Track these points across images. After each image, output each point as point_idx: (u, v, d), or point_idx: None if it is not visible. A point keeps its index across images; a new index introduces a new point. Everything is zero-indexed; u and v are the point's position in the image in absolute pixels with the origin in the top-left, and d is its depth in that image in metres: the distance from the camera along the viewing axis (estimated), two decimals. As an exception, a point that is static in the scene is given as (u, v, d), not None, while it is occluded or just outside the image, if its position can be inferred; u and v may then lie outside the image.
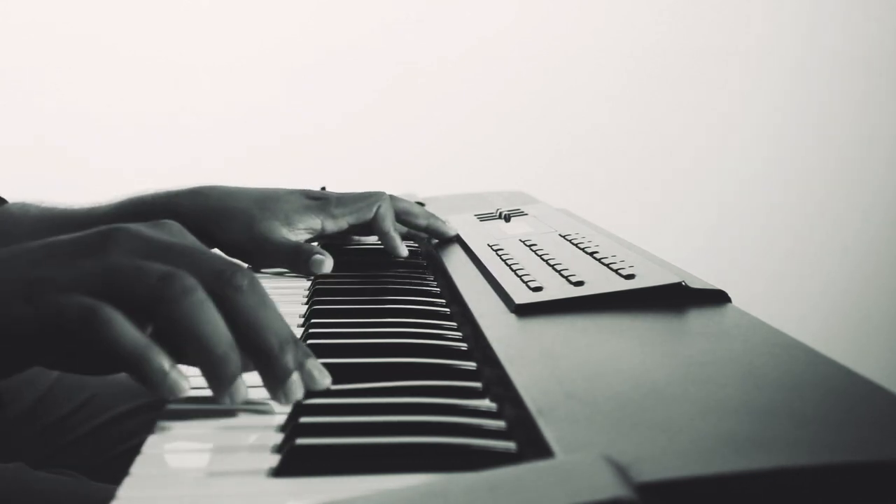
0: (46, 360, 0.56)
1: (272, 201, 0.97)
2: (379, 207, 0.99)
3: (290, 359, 0.54)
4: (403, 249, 1.00)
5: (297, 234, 0.97)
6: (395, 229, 0.99)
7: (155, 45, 1.73)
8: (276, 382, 0.55)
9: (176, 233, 0.57)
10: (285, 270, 0.99)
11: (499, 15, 1.81)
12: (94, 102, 1.71)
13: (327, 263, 0.93)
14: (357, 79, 1.77)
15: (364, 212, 0.98)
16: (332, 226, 0.99)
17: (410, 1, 1.81)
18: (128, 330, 0.51)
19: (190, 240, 0.57)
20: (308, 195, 0.99)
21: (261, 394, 0.60)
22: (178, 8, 1.74)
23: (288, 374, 0.55)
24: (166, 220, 0.58)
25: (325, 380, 0.57)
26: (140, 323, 0.52)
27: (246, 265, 0.55)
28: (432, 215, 1.05)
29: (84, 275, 0.52)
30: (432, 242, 1.07)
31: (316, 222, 0.98)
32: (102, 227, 0.55)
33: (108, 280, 0.52)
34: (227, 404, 0.54)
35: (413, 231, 1.06)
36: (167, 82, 1.73)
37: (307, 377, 0.56)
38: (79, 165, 1.68)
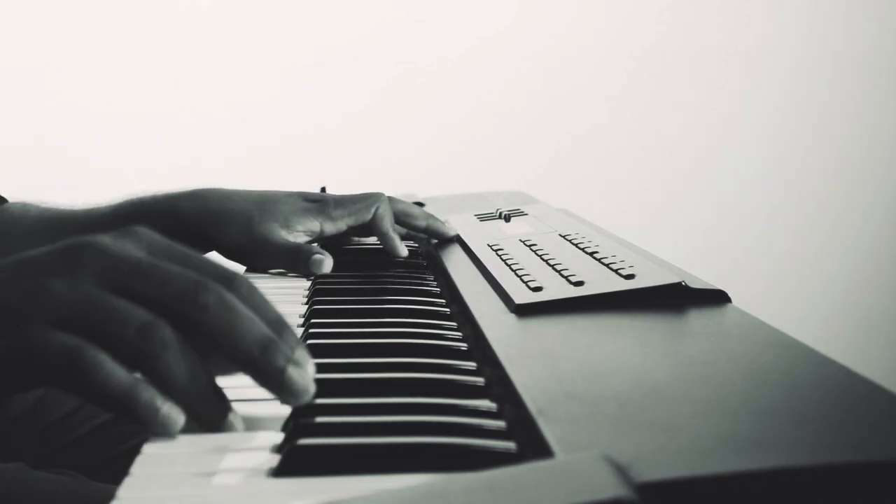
0: (18, 390, 0.53)
1: (271, 203, 0.98)
2: (377, 209, 0.99)
3: (276, 358, 0.53)
4: (403, 249, 1.00)
5: (296, 236, 0.98)
6: (395, 230, 1.00)
7: (155, 45, 1.73)
8: (272, 386, 0.53)
9: (144, 242, 0.55)
10: (285, 270, 1.00)
11: (499, 15, 1.81)
12: (93, 102, 1.71)
13: (327, 263, 0.93)
14: (357, 79, 1.77)
15: (362, 213, 0.99)
16: (330, 228, 0.99)
17: (410, 1, 1.81)
18: (113, 372, 0.50)
19: (160, 245, 0.55)
20: (306, 198, 1.00)
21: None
22: (178, 8, 1.74)
23: (279, 372, 0.53)
24: (135, 228, 0.55)
25: (308, 368, 0.55)
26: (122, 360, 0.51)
27: (237, 271, 0.53)
28: (431, 216, 1.05)
29: (56, 304, 0.50)
30: (432, 242, 1.07)
31: (314, 224, 0.98)
32: (68, 242, 0.53)
33: (84, 316, 0.50)
34: (225, 433, 0.54)
35: (412, 232, 1.06)
36: (167, 82, 1.73)
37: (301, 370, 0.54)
38: (79, 165, 1.68)
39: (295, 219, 0.97)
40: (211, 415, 0.53)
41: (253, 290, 0.55)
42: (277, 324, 0.54)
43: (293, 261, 0.95)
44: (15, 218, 1.03)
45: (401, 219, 1.03)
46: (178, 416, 0.52)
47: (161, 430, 0.52)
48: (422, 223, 1.04)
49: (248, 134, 1.74)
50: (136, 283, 0.52)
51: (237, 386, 0.66)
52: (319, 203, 0.99)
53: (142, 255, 0.54)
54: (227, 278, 0.54)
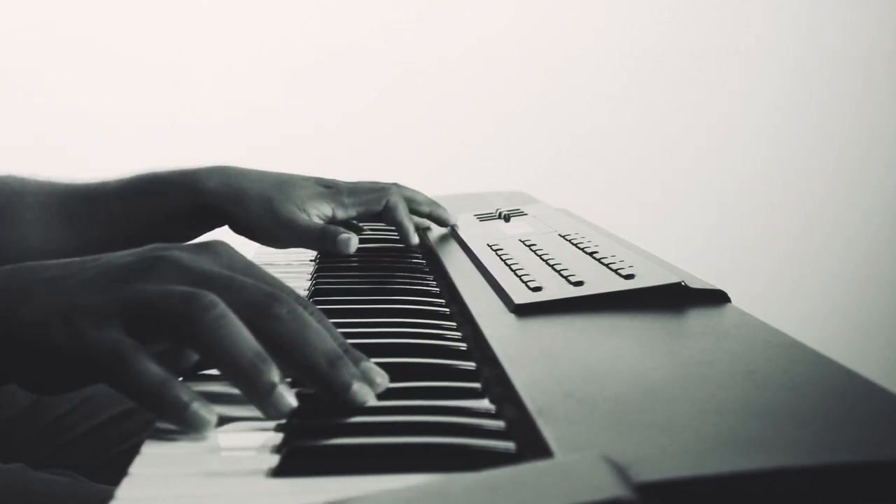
0: (71, 385, 0.56)
1: (289, 186, 1.01)
2: (388, 201, 1.02)
3: (343, 373, 0.54)
4: (415, 238, 1.04)
5: (309, 218, 1.01)
6: (410, 219, 1.03)
7: (155, 45, 1.73)
8: (336, 398, 0.55)
9: (222, 257, 0.58)
10: (285, 271, 1.00)
11: (499, 15, 1.81)
12: (94, 102, 1.71)
13: (353, 241, 0.97)
14: (357, 79, 1.77)
15: (373, 204, 1.02)
16: (342, 214, 1.02)
17: (410, 1, 1.81)
18: (148, 368, 0.52)
19: (238, 262, 0.58)
20: (321, 183, 1.03)
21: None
22: (178, 8, 1.74)
23: (347, 388, 0.54)
24: (213, 243, 0.59)
25: (383, 381, 0.57)
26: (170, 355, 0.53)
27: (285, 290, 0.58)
28: (434, 202, 1.09)
29: (119, 303, 0.53)
30: (429, 231, 1.07)
31: (327, 209, 1.01)
32: (146, 252, 0.56)
33: (137, 309, 0.53)
34: (273, 417, 0.54)
35: (416, 218, 1.08)
36: (167, 82, 1.73)
37: (369, 382, 0.56)
38: (79, 165, 1.68)
39: (310, 202, 1.00)
40: (254, 384, 0.53)
41: (321, 313, 0.58)
42: (343, 343, 0.57)
43: (321, 240, 0.98)
44: (14, 190, 1.03)
45: (407, 205, 1.06)
46: (207, 414, 0.53)
47: (189, 427, 0.53)
48: (425, 209, 1.08)
49: (248, 134, 1.74)
50: (208, 288, 0.53)
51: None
52: (333, 189, 1.02)
53: (216, 269, 0.56)
54: (299, 297, 0.57)
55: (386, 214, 1.03)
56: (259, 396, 0.53)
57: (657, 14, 1.86)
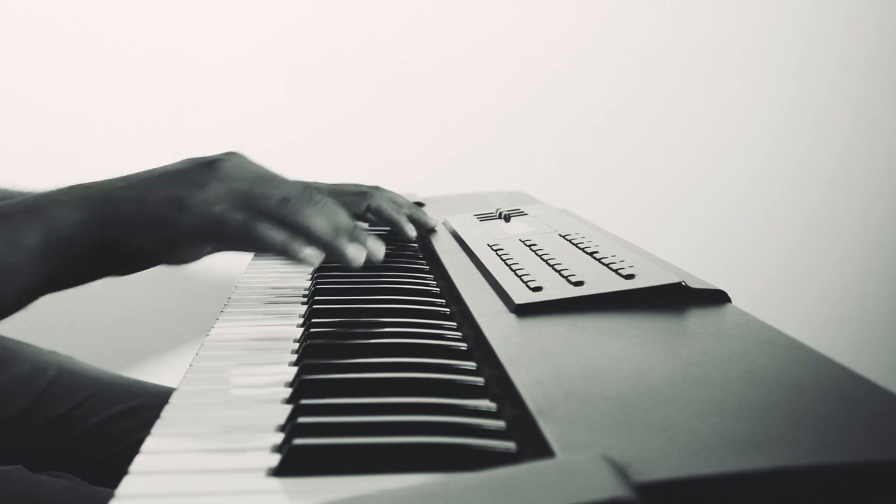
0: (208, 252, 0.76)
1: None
2: (371, 203, 1.04)
3: (341, 242, 0.74)
4: (412, 230, 1.06)
5: None
6: (399, 213, 1.05)
7: (154, 45, 1.73)
8: (340, 259, 0.75)
9: (247, 161, 0.78)
10: (286, 270, 1.00)
11: (499, 14, 1.81)
12: (94, 102, 1.71)
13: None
14: (356, 78, 1.77)
15: (353, 206, 1.04)
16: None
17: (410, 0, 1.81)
18: (274, 232, 0.73)
19: (255, 166, 0.78)
20: (301, 184, 1.03)
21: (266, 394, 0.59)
22: (177, 8, 1.74)
23: (344, 254, 0.75)
24: (231, 152, 0.78)
25: (374, 245, 0.77)
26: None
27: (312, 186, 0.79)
28: (414, 206, 1.11)
29: (222, 194, 0.73)
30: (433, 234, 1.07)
31: None
32: (208, 158, 0.76)
33: (244, 201, 0.73)
34: (354, 259, 0.75)
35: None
36: (166, 82, 1.73)
37: (349, 249, 0.75)
38: (79, 165, 1.68)
39: None
40: (334, 243, 0.74)
41: (330, 201, 0.76)
42: (347, 223, 0.76)
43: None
44: None
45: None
46: (314, 254, 0.73)
47: (307, 261, 0.73)
48: (405, 212, 1.08)
49: (247, 134, 1.74)
50: (263, 184, 0.75)
51: (239, 386, 0.66)
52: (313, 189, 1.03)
53: (256, 170, 0.77)
54: (311, 191, 0.76)
55: (375, 215, 1.05)
56: (339, 250, 0.75)
57: (657, 14, 1.86)
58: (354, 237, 0.76)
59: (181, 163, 0.76)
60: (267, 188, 0.74)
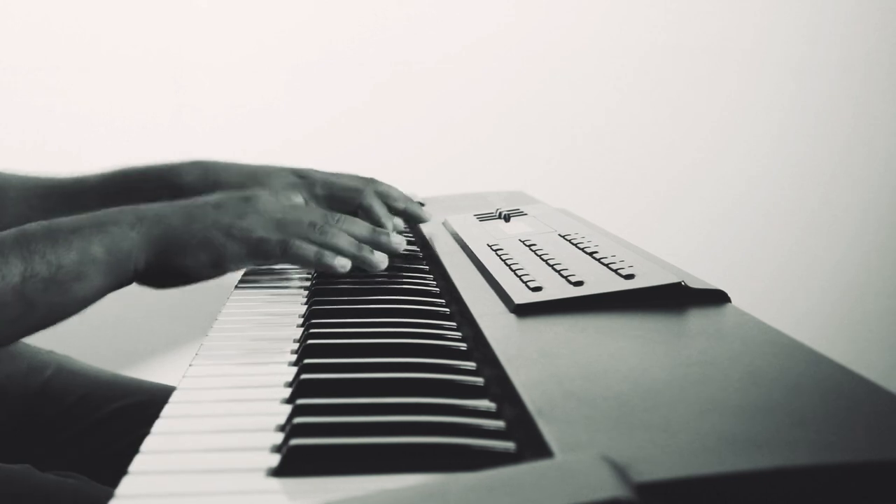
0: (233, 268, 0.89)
1: (263, 176, 1.06)
2: (363, 202, 1.05)
3: (365, 253, 0.89)
4: (398, 239, 1.04)
5: None
6: (389, 217, 1.06)
7: (154, 45, 1.73)
8: (367, 267, 0.90)
9: (273, 199, 0.91)
10: (285, 270, 1.00)
11: (499, 14, 1.81)
12: (94, 102, 1.71)
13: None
14: (355, 78, 1.77)
15: (345, 203, 1.05)
16: (314, 204, 1.06)
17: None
18: (308, 248, 0.87)
19: (284, 202, 0.93)
20: (295, 172, 1.08)
21: (264, 394, 0.59)
22: (177, 8, 1.73)
23: (370, 262, 0.90)
24: (258, 191, 0.93)
25: (398, 241, 0.93)
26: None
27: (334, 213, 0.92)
28: (409, 199, 1.10)
29: (260, 222, 0.87)
30: (434, 238, 1.07)
31: (299, 198, 1.05)
32: (242, 193, 0.90)
33: (279, 227, 0.87)
34: (378, 265, 0.90)
35: (395, 219, 1.09)
36: (166, 82, 1.73)
37: (386, 249, 0.91)
38: (79, 165, 1.68)
39: (283, 192, 1.04)
40: (362, 258, 0.89)
41: (346, 218, 0.92)
42: (368, 232, 0.92)
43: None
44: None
45: (381, 200, 1.08)
46: (345, 262, 0.88)
47: (340, 271, 0.87)
48: (400, 205, 1.08)
49: (247, 134, 1.74)
50: (293, 213, 0.90)
51: (239, 386, 0.66)
52: (305, 179, 1.07)
53: (282, 202, 0.92)
54: (326, 216, 0.90)
55: (365, 214, 1.05)
56: (368, 262, 0.89)
57: (657, 14, 1.86)
58: (376, 244, 0.91)
59: (220, 196, 0.90)
60: (297, 216, 0.89)
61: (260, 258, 0.87)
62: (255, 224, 0.87)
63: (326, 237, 0.88)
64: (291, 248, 0.86)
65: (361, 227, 0.91)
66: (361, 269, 0.90)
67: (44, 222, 0.80)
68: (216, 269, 0.86)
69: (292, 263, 0.90)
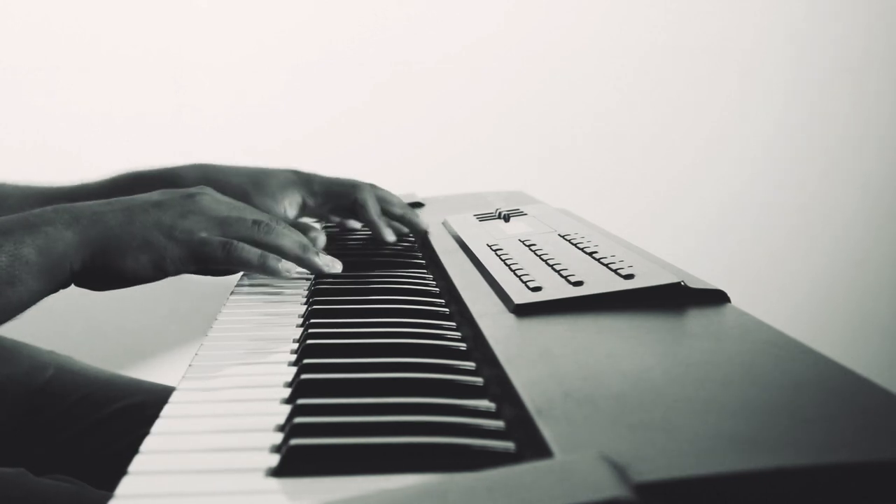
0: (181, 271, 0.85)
1: (263, 177, 1.07)
2: (359, 197, 1.07)
3: (311, 255, 0.87)
4: (390, 234, 1.07)
5: (282, 207, 1.07)
6: (381, 217, 1.07)
7: (154, 45, 1.73)
8: (313, 270, 0.88)
9: (219, 195, 0.88)
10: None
11: (499, 14, 1.81)
12: (94, 102, 1.71)
13: (321, 238, 0.99)
14: (355, 78, 1.77)
15: (343, 197, 1.07)
16: (311, 202, 1.09)
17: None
18: (251, 251, 0.84)
19: (227, 199, 0.88)
20: (294, 173, 1.09)
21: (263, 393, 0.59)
22: (177, 8, 1.73)
23: (316, 265, 0.88)
24: (203, 187, 0.88)
25: (334, 266, 0.89)
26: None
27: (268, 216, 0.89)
28: (408, 207, 1.11)
29: (202, 221, 0.83)
30: (430, 234, 1.07)
31: (298, 197, 1.07)
32: (184, 191, 0.86)
33: (222, 227, 0.84)
34: (327, 267, 0.88)
35: (395, 223, 1.11)
36: (166, 82, 1.73)
37: (320, 259, 0.88)
38: (79, 165, 1.68)
39: (281, 191, 1.07)
40: (303, 257, 0.87)
41: (284, 224, 0.88)
42: (304, 241, 0.88)
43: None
44: None
45: (379, 205, 1.09)
46: (290, 267, 0.86)
47: (283, 275, 0.85)
48: (398, 211, 1.10)
49: (247, 134, 1.74)
50: (235, 210, 0.86)
51: (239, 386, 0.66)
52: (304, 178, 1.08)
53: (226, 200, 0.88)
54: (269, 219, 0.87)
55: (357, 212, 1.07)
56: (307, 262, 0.87)
57: (657, 14, 1.86)
58: (316, 251, 0.89)
59: (160, 193, 0.86)
60: (240, 214, 0.86)
61: (201, 262, 0.84)
62: (197, 224, 0.83)
63: (271, 237, 0.85)
64: (234, 251, 0.83)
65: (303, 237, 0.89)
66: (308, 272, 0.89)
67: None
68: (157, 271, 0.83)
69: (235, 267, 0.87)
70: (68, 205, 0.82)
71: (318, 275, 0.89)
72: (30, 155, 1.71)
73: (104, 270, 0.81)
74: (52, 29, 1.71)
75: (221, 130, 1.74)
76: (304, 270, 0.89)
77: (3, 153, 1.69)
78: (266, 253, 0.84)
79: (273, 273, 0.85)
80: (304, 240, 0.88)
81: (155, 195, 0.86)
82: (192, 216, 0.84)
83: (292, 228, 0.89)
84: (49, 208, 0.81)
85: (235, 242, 0.83)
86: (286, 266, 0.85)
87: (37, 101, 1.71)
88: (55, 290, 0.80)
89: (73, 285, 0.82)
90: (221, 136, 1.73)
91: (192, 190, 0.87)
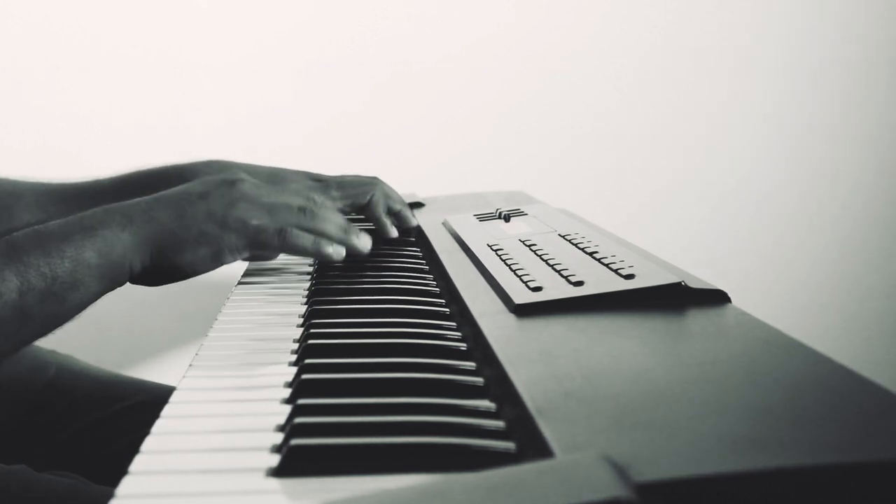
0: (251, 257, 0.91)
1: (280, 179, 1.07)
2: (372, 196, 1.08)
3: (352, 238, 0.91)
4: (393, 231, 1.09)
5: None
6: (387, 214, 1.09)
7: (154, 45, 1.73)
8: (354, 252, 0.92)
9: (254, 180, 0.90)
10: (285, 264, 1.01)
11: (499, 14, 1.81)
12: (94, 102, 1.71)
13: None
14: (356, 78, 1.77)
15: (359, 198, 1.08)
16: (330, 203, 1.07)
17: None
18: (305, 237, 0.87)
19: (262, 183, 0.91)
20: (310, 176, 1.10)
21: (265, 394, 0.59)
22: (177, 8, 1.73)
23: (356, 247, 0.92)
24: (236, 172, 0.92)
25: (367, 244, 0.94)
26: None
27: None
28: (406, 204, 1.14)
29: (253, 209, 0.86)
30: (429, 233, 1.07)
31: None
32: (222, 178, 0.88)
33: (270, 213, 0.86)
34: (364, 248, 0.93)
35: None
36: (166, 82, 1.73)
37: (359, 241, 0.92)
38: (79, 165, 1.68)
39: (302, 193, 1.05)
40: (344, 239, 0.90)
41: (327, 204, 0.94)
42: (346, 222, 0.93)
43: None
44: (10, 192, 1.06)
45: (385, 199, 1.11)
46: (340, 250, 0.90)
47: (335, 259, 0.90)
48: (397, 207, 1.11)
49: (247, 134, 1.74)
50: (279, 195, 0.89)
51: (239, 386, 0.66)
52: (322, 183, 1.08)
53: (263, 186, 0.90)
54: (312, 201, 0.91)
55: (367, 209, 1.08)
56: (350, 244, 0.91)
57: (657, 14, 1.86)
58: (356, 231, 0.92)
59: (200, 183, 0.87)
60: (285, 200, 0.88)
61: (257, 248, 0.86)
62: (247, 212, 0.85)
63: (316, 222, 0.88)
64: (290, 238, 0.86)
65: (340, 216, 0.92)
66: (350, 254, 0.91)
67: (29, 230, 0.79)
68: (215, 262, 0.85)
69: (289, 253, 0.89)
70: (115, 205, 0.83)
71: (358, 255, 0.92)
72: (30, 155, 1.71)
73: (163, 267, 0.83)
74: (52, 29, 1.71)
75: (221, 130, 1.74)
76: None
77: (3, 153, 1.69)
78: (318, 238, 0.88)
79: (327, 258, 0.89)
80: (343, 222, 0.91)
81: (196, 185, 0.87)
82: (241, 203, 0.85)
83: (331, 210, 0.92)
84: (98, 210, 0.82)
85: (290, 229, 0.86)
86: (337, 250, 0.89)
87: (37, 101, 1.71)
88: (112, 290, 0.82)
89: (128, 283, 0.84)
90: (221, 136, 1.73)
91: (229, 176, 0.88)
